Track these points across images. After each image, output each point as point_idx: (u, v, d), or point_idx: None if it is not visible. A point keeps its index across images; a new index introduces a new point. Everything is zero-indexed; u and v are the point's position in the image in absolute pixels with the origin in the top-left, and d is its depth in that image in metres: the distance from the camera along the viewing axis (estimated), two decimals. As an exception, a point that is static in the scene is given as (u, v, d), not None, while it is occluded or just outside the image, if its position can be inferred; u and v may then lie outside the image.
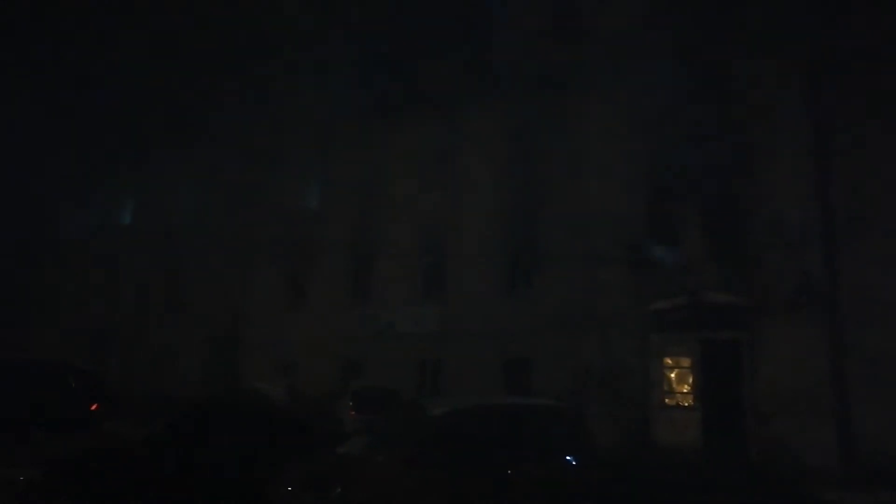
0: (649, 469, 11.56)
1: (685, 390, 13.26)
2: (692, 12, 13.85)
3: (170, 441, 7.88)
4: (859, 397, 11.74)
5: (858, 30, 12.70)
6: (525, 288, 16.23)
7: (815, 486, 10.48)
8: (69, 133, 24.15)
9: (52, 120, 24.00)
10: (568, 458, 7.44)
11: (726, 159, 13.04)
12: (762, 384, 12.29)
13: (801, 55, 12.82)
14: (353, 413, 13.66)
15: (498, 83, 16.54)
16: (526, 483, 6.96)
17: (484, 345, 16.06)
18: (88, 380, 11.90)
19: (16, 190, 24.50)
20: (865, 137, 12.22)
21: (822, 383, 11.79)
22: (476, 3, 17.19)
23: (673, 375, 13.48)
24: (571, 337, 14.50)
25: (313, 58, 19.79)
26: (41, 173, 24.88)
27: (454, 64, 17.25)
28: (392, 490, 6.54)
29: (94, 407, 11.21)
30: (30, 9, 24.08)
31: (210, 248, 22.24)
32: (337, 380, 17.71)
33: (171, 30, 22.25)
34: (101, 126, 24.08)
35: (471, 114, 17.43)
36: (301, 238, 20.81)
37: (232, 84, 21.22)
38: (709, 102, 13.35)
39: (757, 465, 11.97)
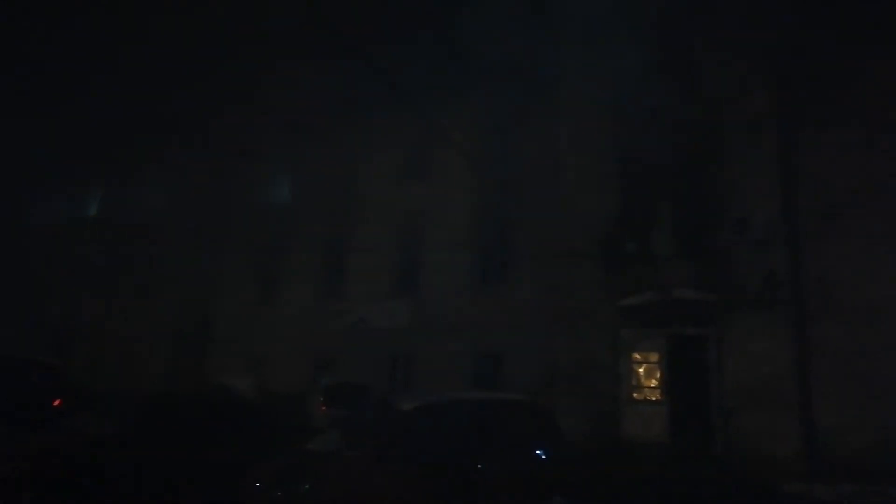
0: (617, 462, 11.72)
1: (653, 385, 13.43)
2: (665, 11, 14.00)
3: (134, 437, 7.83)
4: (821, 392, 11.97)
5: (825, 30, 12.93)
6: (497, 283, 16.31)
7: (777, 478, 10.70)
8: (34, 122, 23.54)
9: (16, 108, 23.36)
10: (538, 452, 7.51)
11: (696, 158, 13.24)
12: (728, 379, 12.47)
13: (770, 55, 13.02)
14: (323, 408, 13.60)
15: (471, 79, 16.55)
16: (496, 477, 7.01)
17: (456, 340, 16.11)
18: (51, 374, 11.64)
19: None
20: (830, 138, 12.47)
21: (786, 378, 11.98)
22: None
23: (641, 370, 13.64)
24: (543, 332, 14.56)
25: (286, 50, 19.58)
26: (4, 162, 24.20)
27: (428, 58, 17.20)
28: (362, 486, 6.52)
29: (56, 402, 10.98)
30: None
31: (179, 241, 21.90)
32: (307, 375, 17.59)
33: (140, 21, 21.82)
34: (67, 115, 23.52)
35: (445, 109, 17.37)
36: (272, 232, 20.62)
37: (204, 76, 20.88)
38: (680, 101, 13.50)
39: (722, 458, 12.14)
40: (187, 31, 20.96)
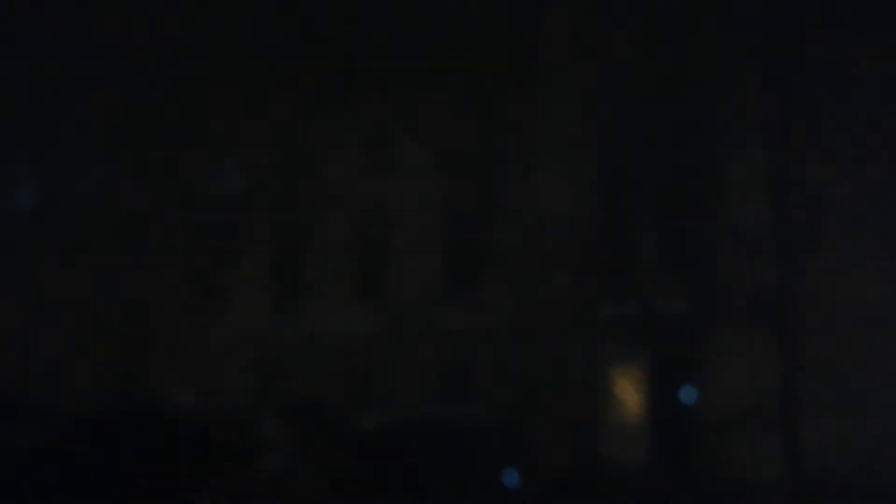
0: (595, 484, 11.72)
1: (633, 402, 13.46)
2: (654, 10, 14.15)
3: (64, 452, 7.66)
4: (808, 410, 12.22)
5: (816, 37, 13.27)
6: (470, 291, 16.24)
7: (760, 500, 10.82)
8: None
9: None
10: (509, 477, 7.55)
11: (684, 164, 13.41)
12: (711, 396, 12.61)
13: (762, 60, 13.28)
14: (275, 426, 13.29)
15: (445, 71, 16.49)
16: (461, 502, 6.99)
17: (423, 351, 16.00)
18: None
19: None
20: (822, 146, 12.74)
21: (772, 396, 12.22)
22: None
23: (622, 387, 13.65)
24: (517, 345, 14.57)
25: (244, 32, 19.28)
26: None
27: (401, 49, 17.11)
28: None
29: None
30: None
31: (120, 238, 21.40)
32: (258, 388, 17.22)
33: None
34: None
35: (418, 104, 17.28)
36: (221, 230, 20.26)
37: (149, 56, 20.43)
38: (669, 106, 13.67)
39: (704, 480, 12.25)
40: (135, 11, 20.51)
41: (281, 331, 18.39)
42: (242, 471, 7.60)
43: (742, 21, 13.48)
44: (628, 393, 13.66)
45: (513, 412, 12.76)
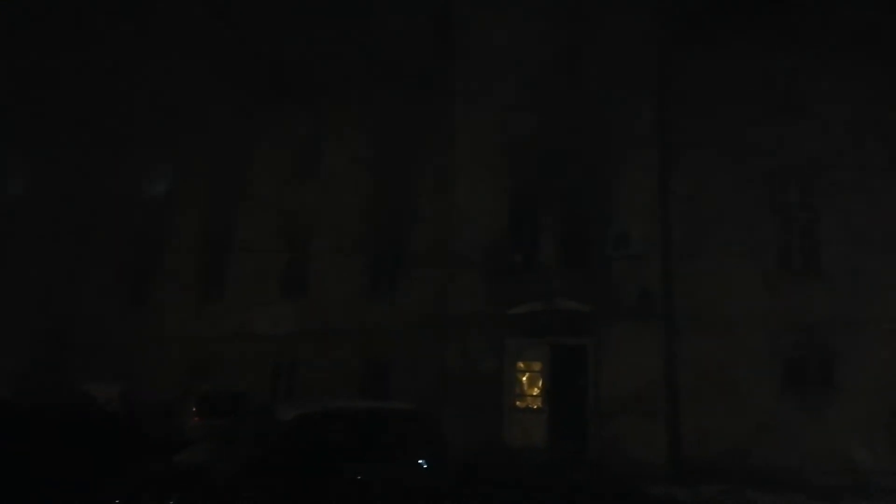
0: (498, 470, 11.96)
1: (535, 393, 13.88)
2: (558, 32, 14.58)
3: None
4: (687, 400, 12.90)
5: (702, 60, 14.01)
6: (387, 290, 16.24)
7: (644, 481, 11.36)
8: None
9: None
10: (420, 461, 7.51)
11: (582, 176, 13.86)
12: (603, 387, 13.10)
13: (651, 83, 13.91)
14: (196, 418, 12.92)
15: (367, 81, 16.47)
16: (376, 488, 6.95)
17: (343, 346, 15.88)
18: None
19: None
20: (703, 161, 13.52)
21: (656, 387, 12.79)
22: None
23: (525, 378, 14.05)
24: (430, 340, 14.66)
25: (172, 37, 18.58)
26: None
27: (325, 57, 16.95)
28: (234, 499, 6.28)
29: None
30: None
31: (40, 234, 20.15)
32: (181, 382, 16.65)
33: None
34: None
35: (339, 109, 17.17)
36: (146, 227, 19.42)
37: (78, 59, 19.38)
38: (570, 121, 14.05)
39: (596, 463, 12.73)
40: (68, 10, 19.42)
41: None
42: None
43: (629, 44, 14.04)
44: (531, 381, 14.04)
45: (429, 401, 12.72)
